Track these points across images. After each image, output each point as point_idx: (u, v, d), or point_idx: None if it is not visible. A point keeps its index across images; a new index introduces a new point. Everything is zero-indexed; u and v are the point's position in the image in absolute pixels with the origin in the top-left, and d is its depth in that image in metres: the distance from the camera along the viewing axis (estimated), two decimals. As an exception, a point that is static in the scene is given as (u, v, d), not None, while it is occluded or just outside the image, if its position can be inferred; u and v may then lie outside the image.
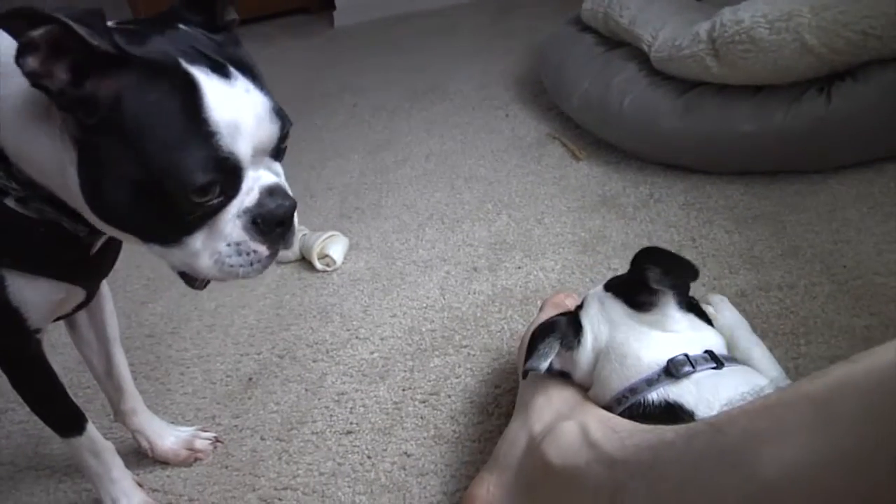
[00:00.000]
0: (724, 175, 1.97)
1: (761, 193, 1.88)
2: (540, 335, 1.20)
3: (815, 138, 1.83)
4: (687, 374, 1.04)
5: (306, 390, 1.63)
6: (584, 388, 1.19)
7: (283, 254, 2.06)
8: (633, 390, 1.07)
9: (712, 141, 1.94)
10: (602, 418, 1.06)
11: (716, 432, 0.82)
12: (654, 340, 1.12)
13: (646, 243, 1.82)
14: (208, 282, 1.01)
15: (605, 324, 1.18)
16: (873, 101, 1.77)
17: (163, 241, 0.94)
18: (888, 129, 1.81)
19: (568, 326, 1.20)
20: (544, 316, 1.31)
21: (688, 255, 1.62)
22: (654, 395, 1.05)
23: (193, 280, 0.99)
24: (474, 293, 1.79)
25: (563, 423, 1.09)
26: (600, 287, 1.24)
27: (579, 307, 1.25)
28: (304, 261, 2.05)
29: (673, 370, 1.05)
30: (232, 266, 0.94)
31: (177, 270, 0.98)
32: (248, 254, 0.95)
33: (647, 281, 1.13)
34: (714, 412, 0.99)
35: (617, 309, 1.18)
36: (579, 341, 1.18)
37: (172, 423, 1.55)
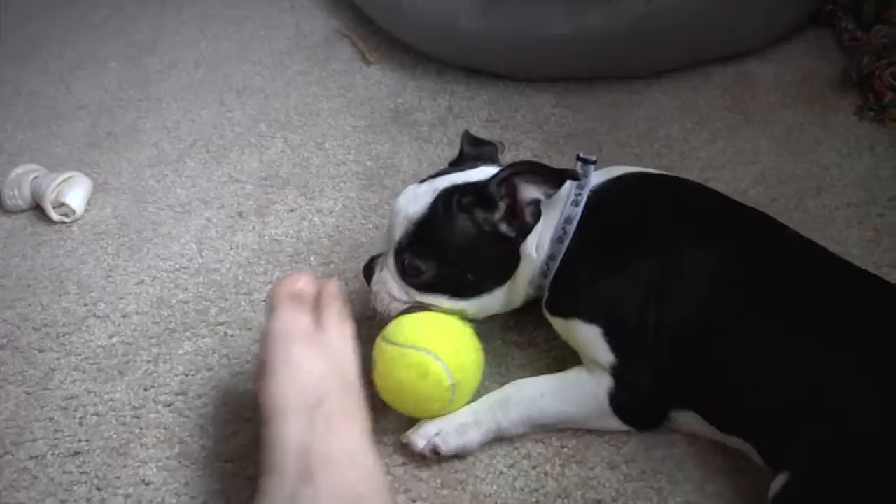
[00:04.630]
0: (535, 83, 1.70)
1: (576, 105, 1.63)
2: None
3: (635, 40, 1.59)
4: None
5: (28, 394, 1.31)
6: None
7: (13, 202, 1.68)
8: (567, 219, 1.07)
9: (519, 43, 1.66)
10: None
11: None
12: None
13: (440, 173, 1.53)
14: None
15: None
16: (700, -4, 1.52)
17: None
18: (716, 29, 1.58)
19: None
20: (283, 316, 1.01)
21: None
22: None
23: None
24: (237, 248, 1.48)
25: None
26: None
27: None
28: (40, 209, 1.66)
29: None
30: None
31: None
32: None
33: None
34: None
35: None
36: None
37: None
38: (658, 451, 1.08)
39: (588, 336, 1.05)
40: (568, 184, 1.07)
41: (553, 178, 1.04)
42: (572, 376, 1.08)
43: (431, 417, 1.09)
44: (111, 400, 1.28)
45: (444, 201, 1.06)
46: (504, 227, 1.06)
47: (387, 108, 1.75)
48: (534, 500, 1.05)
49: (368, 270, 1.16)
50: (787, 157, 1.46)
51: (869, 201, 1.36)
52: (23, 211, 1.69)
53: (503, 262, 1.10)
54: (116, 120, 1.94)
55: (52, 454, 1.22)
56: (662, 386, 1.02)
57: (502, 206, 1.05)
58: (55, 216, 1.64)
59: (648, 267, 1.03)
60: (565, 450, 1.09)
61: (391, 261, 1.10)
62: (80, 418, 1.26)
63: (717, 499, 1.02)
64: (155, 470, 1.17)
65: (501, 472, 1.08)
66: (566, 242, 1.07)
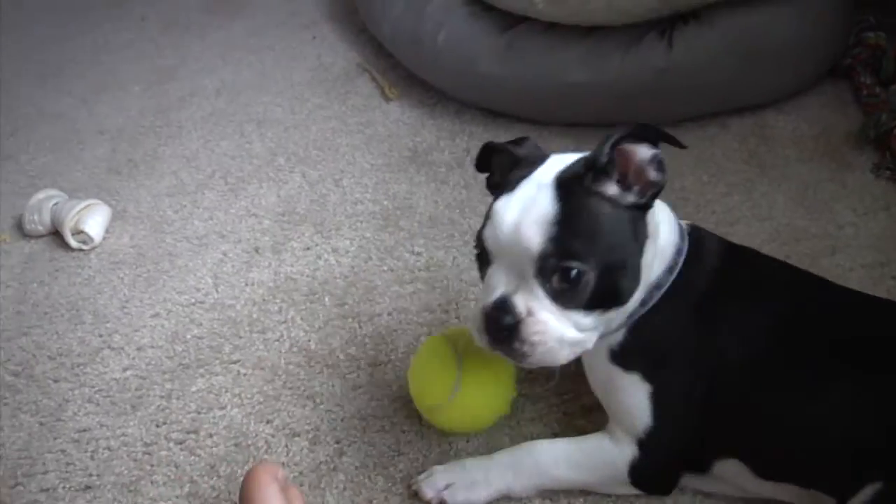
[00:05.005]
0: (553, 127, 1.71)
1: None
2: None
3: (653, 90, 1.59)
4: None
5: (41, 424, 1.32)
6: None
7: (33, 226, 1.70)
8: (678, 251, 1.03)
9: (538, 88, 1.67)
10: None
11: None
12: None
13: (457, 217, 1.56)
14: None
15: None
16: (719, 48, 1.54)
17: None
18: (734, 81, 1.59)
19: None
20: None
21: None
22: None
23: None
24: (252, 284, 1.49)
25: None
26: None
27: None
28: (58, 234, 1.68)
29: None
30: None
31: None
32: None
33: None
34: None
35: None
36: None
37: None
38: (663, 511, 1.08)
39: (634, 395, 1.02)
40: (670, 214, 1.04)
41: (651, 135, 0.94)
42: (592, 444, 1.07)
43: (426, 406, 1.13)
44: (123, 435, 1.29)
45: (570, 189, 0.93)
46: (630, 197, 0.95)
47: (405, 146, 1.77)
48: (538, 554, 1.05)
49: (497, 334, 0.95)
50: (803, 214, 1.47)
51: (883, 263, 1.36)
52: (41, 236, 1.71)
53: (640, 239, 0.97)
54: (137, 146, 1.96)
55: (64, 487, 1.23)
56: (706, 439, 1.01)
57: (615, 176, 0.94)
58: (73, 243, 1.66)
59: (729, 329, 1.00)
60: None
61: (537, 285, 0.92)
62: (93, 452, 1.27)
63: (723, 564, 1.02)
64: (164, 509, 1.17)
65: (507, 525, 1.08)
66: (675, 273, 1.00)
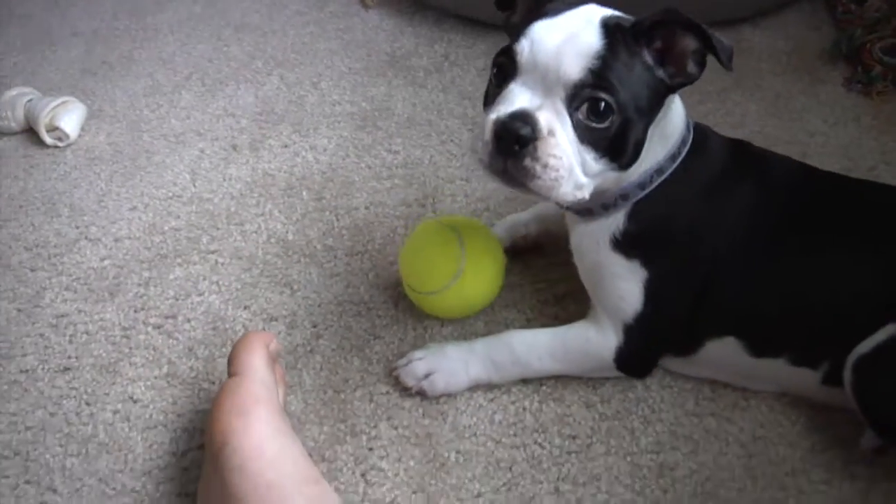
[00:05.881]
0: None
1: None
2: None
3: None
4: None
5: (19, 311, 1.33)
6: None
7: (6, 123, 1.68)
8: (683, 141, 1.05)
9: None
10: None
11: None
12: None
13: (434, 118, 1.57)
14: None
15: None
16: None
17: None
18: None
19: None
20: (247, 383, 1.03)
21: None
22: None
23: None
24: (230, 179, 1.50)
25: None
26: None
27: None
28: (33, 132, 1.67)
29: None
30: None
31: None
32: None
33: None
34: None
35: None
36: None
37: None
38: (633, 393, 1.12)
39: (630, 281, 1.04)
40: (681, 105, 1.04)
41: (701, 35, 0.92)
42: (574, 334, 1.10)
43: (425, 292, 1.14)
44: (101, 320, 1.30)
45: (615, 35, 0.92)
46: (660, 73, 0.95)
47: (383, 52, 1.77)
48: (511, 433, 1.09)
49: (508, 146, 0.91)
50: (775, 124, 1.50)
51: (851, 169, 1.39)
52: (15, 133, 1.70)
53: (654, 112, 0.97)
54: (111, 48, 1.93)
55: (43, 369, 1.24)
56: (701, 320, 1.05)
57: (656, 45, 0.94)
58: (48, 140, 1.65)
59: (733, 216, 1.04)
60: (544, 388, 1.13)
61: (563, 111, 0.92)
62: (71, 336, 1.28)
63: (686, 441, 1.07)
64: (143, 388, 1.19)
65: (481, 406, 1.12)
66: (677, 161, 1.02)
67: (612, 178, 0.98)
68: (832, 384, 1.01)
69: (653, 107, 0.96)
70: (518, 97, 0.93)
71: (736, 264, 1.02)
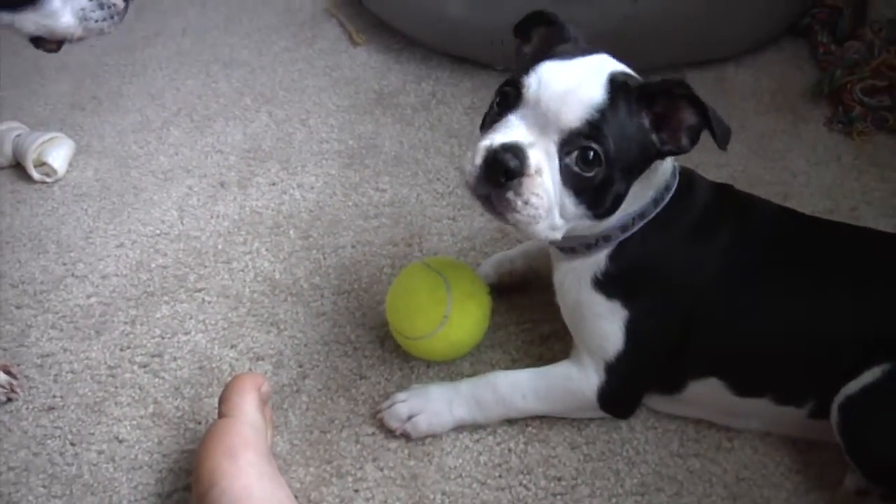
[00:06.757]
0: (517, 71, 1.72)
1: (554, 96, 1.65)
2: None
3: (618, 37, 1.58)
4: None
5: (3, 350, 1.33)
6: None
7: (-6, 158, 1.68)
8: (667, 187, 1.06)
9: (504, 34, 1.66)
10: None
11: None
12: None
13: (421, 157, 1.59)
14: (62, 44, 1.12)
15: None
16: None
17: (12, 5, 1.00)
18: (697, 33, 1.67)
19: None
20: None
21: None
22: None
23: (48, 43, 1.11)
24: (218, 217, 1.50)
25: None
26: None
27: None
28: (20, 167, 1.67)
29: None
30: (97, 21, 1.07)
31: (30, 36, 1.07)
32: (108, 7, 1.06)
33: None
34: None
35: None
36: None
37: None
38: (617, 434, 1.13)
39: (611, 321, 1.06)
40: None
41: (703, 111, 0.94)
42: (557, 373, 1.11)
43: (412, 337, 1.15)
44: (87, 358, 1.30)
45: (618, 93, 0.94)
46: (653, 137, 0.97)
47: (371, 89, 1.78)
48: (497, 474, 1.09)
49: (495, 176, 0.94)
50: (758, 163, 1.52)
51: (833, 209, 1.41)
52: (2, 168, 1.70)
53: (637, 172, 0.99)
54: (100, 84, 1.94)
55: (27, 408, 1.24)
56: (684, 360, 1.07)
57: (656, 110, 0.97)
58: (36, 175, 1.65)
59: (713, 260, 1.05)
60: (529, 429, 1.14)
61: (554, 153, 0.94)
62: (56, 375, 1.28)
63: (671, 482, 1.07)
64: (129, 428, 1.20)
65: (467, 447, 1.12)
66: (661, 206, 1.04)
67: (587, 225, 1.00)
68: (819, 418, 1.01)
69: (640, 167, 0.99)
70: (514, 129, 0.95)
71: (717, 306, 1.04)
